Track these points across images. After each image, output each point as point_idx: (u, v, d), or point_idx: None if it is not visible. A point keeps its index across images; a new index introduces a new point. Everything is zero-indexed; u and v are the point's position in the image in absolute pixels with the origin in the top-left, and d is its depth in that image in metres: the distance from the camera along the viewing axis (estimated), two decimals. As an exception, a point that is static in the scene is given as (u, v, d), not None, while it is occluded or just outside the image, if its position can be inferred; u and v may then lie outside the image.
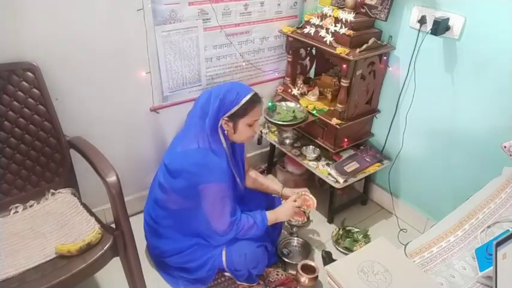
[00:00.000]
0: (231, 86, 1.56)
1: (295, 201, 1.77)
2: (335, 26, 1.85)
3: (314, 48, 2.23)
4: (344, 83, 1.86)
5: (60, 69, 1.59)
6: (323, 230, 2.11)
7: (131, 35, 1.71)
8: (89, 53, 1.64)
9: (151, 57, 1.80)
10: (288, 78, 2.24)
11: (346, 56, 1.76)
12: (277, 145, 2.26)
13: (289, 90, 2.21)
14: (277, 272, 1.83)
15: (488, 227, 1.30)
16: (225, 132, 1.56)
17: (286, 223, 1.99)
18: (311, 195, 1.85)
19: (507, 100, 1.59)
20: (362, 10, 1.91)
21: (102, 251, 1.34)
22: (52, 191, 1.57)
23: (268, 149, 2.52)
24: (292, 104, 2.12)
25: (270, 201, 1.92)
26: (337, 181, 1.95)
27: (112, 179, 1.36)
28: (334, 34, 1.86)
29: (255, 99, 1.55)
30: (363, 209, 2.30)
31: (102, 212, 1.88)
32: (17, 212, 1.49)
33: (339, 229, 2.07)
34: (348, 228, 2.07)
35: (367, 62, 1.87)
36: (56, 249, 1.31)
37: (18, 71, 1.47)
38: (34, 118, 1.52)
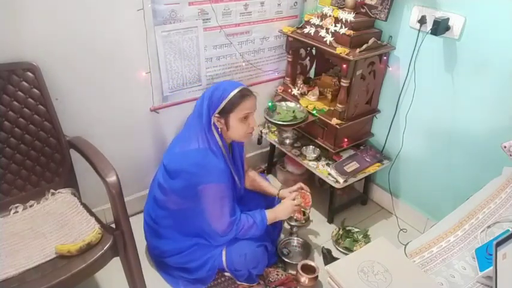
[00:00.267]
0: (219, 84, 1.59)
1: (293, 199, 1.77)
2: (335, 26, 1.85)
3: (314, 48, 2.23)
4: (344, 83, 1.86)
5: (60, 69, 1.59)
6: (323, 230, 2.11)
7: (131, 35, 1.71)
8: (89, 53, 1.64)
9: (151, 57, 1.80)
10: (288, 78, 2.24)
11: (346, 56, 1.76)
12: (277, 145, 2.26)
13: (289, 90, 2.21)
14: (277, 272, 1.83)
15: (488, 227, 1.30)
16: (219, 130, 1.57)
17: (286, 223, 1.99)
18: (307, 188, 1.83)
19: (507, 100, 1.59)
20: (362, 10, 1.91)
21: (102, 251, 1.34)
22: (52, 191, 1.57)
23: (268, 149, 2.52)
24: (292, 104, 2.12)
25: (269, 201, 1.92)
26: (337, 181, 1.95)
27: (112, 179, 1.36)
28: (334, 34, 1.86)
29: (243, 93, 1.55)
30: (363, 209, 2.30)
31: (102, 212, 1.88)
32: (17, 212, 1.49)
33: (339, 229, 2.07)
34: (348, 228, 2.07)
35: (367, 62, 1.87)
36: (56, 249, 1.31)
37: (18, 71, 1.47)
38: (34, 118, 1.52)
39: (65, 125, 1.60)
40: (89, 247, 1.34)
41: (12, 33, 1.45)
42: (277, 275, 1.82)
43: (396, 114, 2.03)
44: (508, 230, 1.23)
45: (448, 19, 1.65)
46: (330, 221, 2.17)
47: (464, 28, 1.63)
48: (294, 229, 1.98)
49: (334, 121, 1.92)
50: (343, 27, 1.82)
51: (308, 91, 2.17)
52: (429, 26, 1.70)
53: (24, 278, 1.23)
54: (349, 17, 1.81)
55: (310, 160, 2.09)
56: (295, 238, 2.00)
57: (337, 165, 1.99)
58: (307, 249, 1.97)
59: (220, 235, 1.61)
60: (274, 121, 2.01)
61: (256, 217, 1.65)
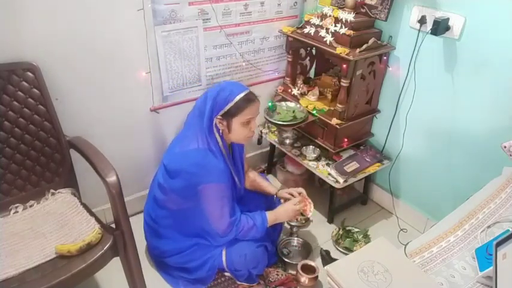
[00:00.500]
0: (225, 85, 1.56)
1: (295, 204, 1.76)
2: (335, 26, 1.85)
3: (314, 48, 2.23)
4: (344, 83, 1.86)
5: (60, 69, 1.59)
6: (323, 230, 2.11)
7: (131, 35, 1.71)
8: (89, 53, 1.64)
9: (151, 57, 1.80)
10: (288, 78, 2.24)
11: (346, 56, 1.76)
12: (277, 145, 2.26)
13: (289, 90, 2.21)
14: (277, 272, 1.83)
15: (488, 227, 1.30)
16: (220, 131, 1.56)
17: (286, 223, 1.99)
18: (309, 200, 1.83)
19: (507, 100, 1.59)
20: (362, 10, 1.91)
21: (102, 251, 1.34)
22: (52, 191, 1.57)
23: (268, 149, 2.52)
24: (292, 104, 2.12)
25: (270, 201, 1.92)
26: (337, 181, 1.95)
27: (112, 179, 1.36)
28: (334, 34, 1.86)
29: (249, 98, 1.54)
30: (363, 209, 2.30)
31: (102, 212, 1.88)
32: (17, 212, 1.49)
33: (339, 229, 2.07)
34: (348, 228, 2.07)
35: (367, 62, 1.87)
36: (56, 249, 1.31)
37: (18, 71, 1.47)
38: (34, 118, 1.52)
39: (65, 125, 1.60)
40: (89, 247, 1.34)
41: (12, 33, 1.45)
42: (277, 275, 1.82)
43: (396, 114, 2.03)
44: (508, 230, 1.23)
45: (448, 19, 1.65)
46: (330, 221, 2.17)
47: (464, 28, 1.63)
48: (294, 229, 1.98)
49: (334, 121, 1.92)
50: (343, 27, 1.82)
51: (308, 91, 2.17)
52: (429, 26, 1.70)
53: (24, 278, 1.23)
54: (349, 17, 1.81)
55: (310, 160, 2.09)
56: (295, 238, 2.00)
57: (337, 165, 1.99)
58: (307, 249, 1.97)
59: (220, 235, 1.61)
60: (274, 121, 2.01)
61: (257, 219, 1.65)
